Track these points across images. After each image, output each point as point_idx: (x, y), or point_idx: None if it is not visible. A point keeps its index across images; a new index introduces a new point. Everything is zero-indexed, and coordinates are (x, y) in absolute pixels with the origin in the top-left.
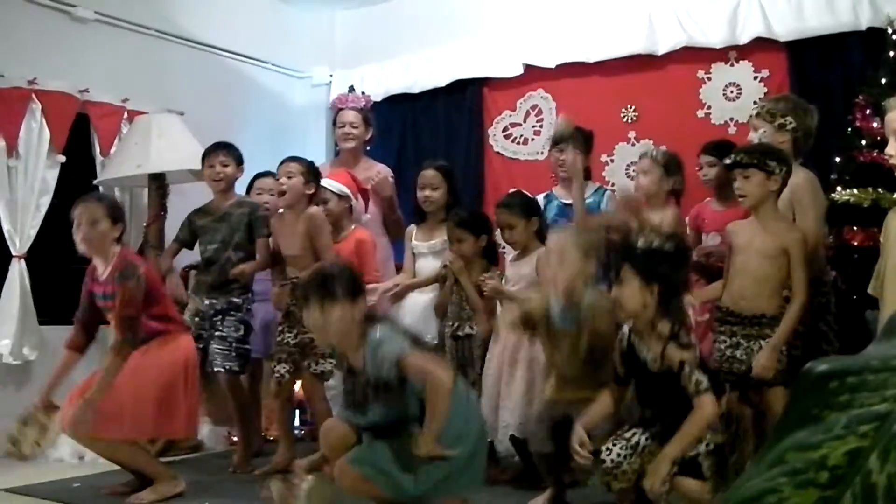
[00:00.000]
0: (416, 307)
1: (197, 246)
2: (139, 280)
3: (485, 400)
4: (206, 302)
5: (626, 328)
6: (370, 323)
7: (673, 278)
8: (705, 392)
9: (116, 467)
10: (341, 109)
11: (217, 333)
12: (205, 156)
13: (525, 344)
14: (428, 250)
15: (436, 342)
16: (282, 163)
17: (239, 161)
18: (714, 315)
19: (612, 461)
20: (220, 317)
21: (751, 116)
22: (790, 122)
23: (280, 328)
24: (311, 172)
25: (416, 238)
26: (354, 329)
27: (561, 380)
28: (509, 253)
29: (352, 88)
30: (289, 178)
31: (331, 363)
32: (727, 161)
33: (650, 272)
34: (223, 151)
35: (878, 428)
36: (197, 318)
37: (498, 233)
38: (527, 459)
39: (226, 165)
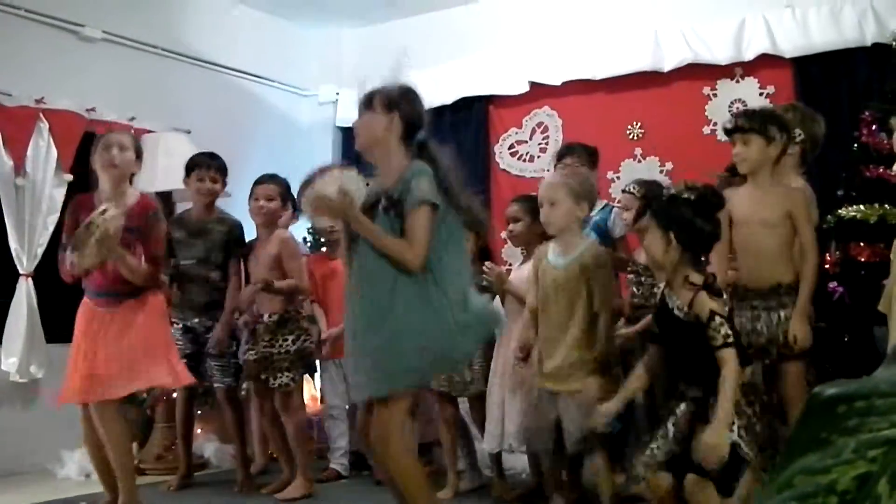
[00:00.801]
0: None
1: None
2: (164, 224)
3: (493, 410)
4: (196, 320)
5: (661, 286)
6: (420, 154)
7: (692, 225)
8: (727, 347)
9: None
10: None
11: (211, 351)
12: (194, 167)
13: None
14: None
15: None
16: (259, 182)
17: (226, 177)
18: (730, 293)
19: (653, 454)
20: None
21: None
22: (799, 135)
23: (245, 347)
24: (288, 192)
25: None
26: (392, 143)
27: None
28: (514, 260)
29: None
30: (269, 200)
31: (288, 376)
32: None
33: (668, 219)
34: (216, 165)
35: (888, 453)
36: (190, 335)
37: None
38: (539, 475)
39: (215, 182)
